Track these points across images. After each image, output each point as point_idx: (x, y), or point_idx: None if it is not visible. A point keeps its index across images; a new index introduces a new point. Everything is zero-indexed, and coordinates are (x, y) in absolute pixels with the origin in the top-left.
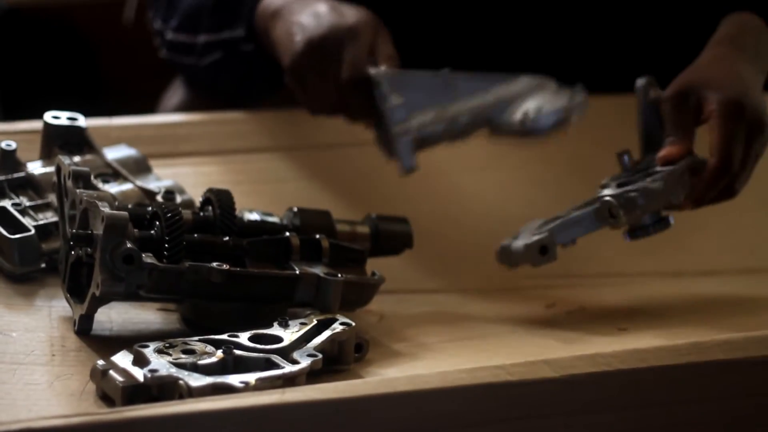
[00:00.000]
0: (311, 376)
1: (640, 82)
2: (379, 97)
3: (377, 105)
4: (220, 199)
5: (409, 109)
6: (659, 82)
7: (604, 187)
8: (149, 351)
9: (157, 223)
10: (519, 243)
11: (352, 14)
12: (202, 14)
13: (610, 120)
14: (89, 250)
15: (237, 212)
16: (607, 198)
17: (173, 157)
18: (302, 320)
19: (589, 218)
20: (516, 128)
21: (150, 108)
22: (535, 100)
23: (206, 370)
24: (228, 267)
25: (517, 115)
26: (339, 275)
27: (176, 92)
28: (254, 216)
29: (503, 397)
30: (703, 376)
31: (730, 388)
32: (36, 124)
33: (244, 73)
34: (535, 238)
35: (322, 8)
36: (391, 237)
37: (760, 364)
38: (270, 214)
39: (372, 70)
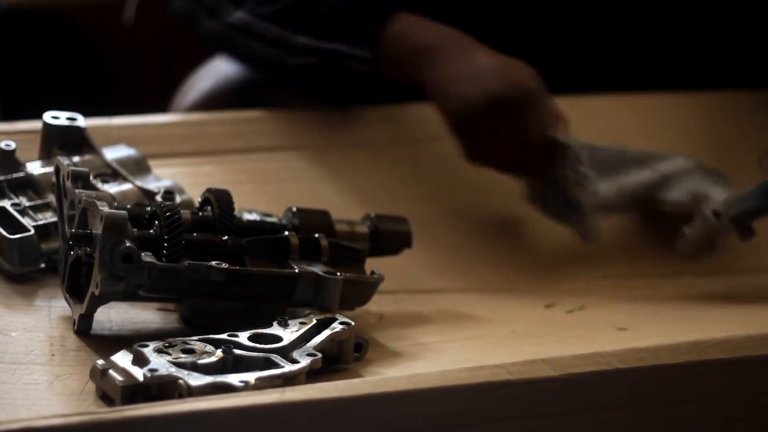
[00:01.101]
0: (311, 375)
1: None
2: (565, 164)
3: (557, 169)
4: (219, 199)
5: (597, 179)
6: (670, 80)
7: None
8: (149, 350)
9: (156, 222)
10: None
11: (524, 72)
12: (310, 15)
13: (613, 120)
14: (88, 249)
15: (236, 212)
16: None
17: (173, 156)
18: (302, 320)
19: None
20: (683, 206)
21: (151, 108)
22: (694, 182)
23: (206, 369)
24: (227, 266)
25: (683, 192)
26: (338, 274)
27: (191, 90)
28: (253, 216)
29: (503, 396)
30: (703, 375)
31: (730, 388)
32: (35, 124)
33: (339, 83)
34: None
35: (490, 60)
36: (390, 237)
37: (760, 364)
38: (269, 215)
39: (562, 138)
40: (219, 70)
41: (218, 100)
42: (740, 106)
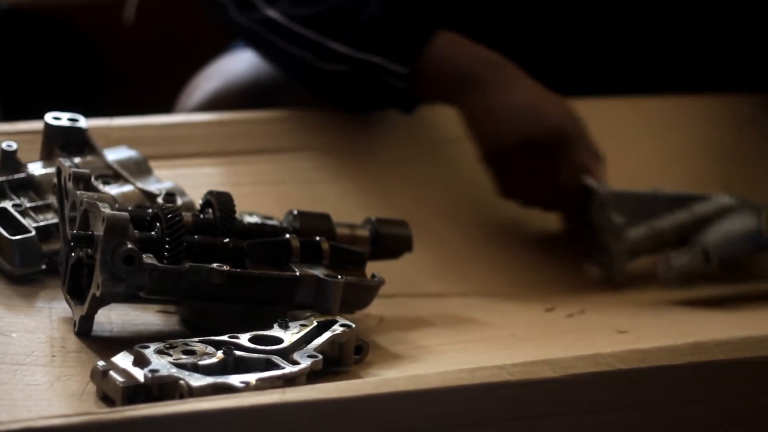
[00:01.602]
0: (311, 377)
1: None
2: (598, 209)
3: (592, 213)
4: (220, 202)
5: (626, 226)
6: (672, 83)
7: None
8: (150, 352)
9: (158, 224)
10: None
11: (562, 112)
12: (349, 24)
13: (615, 122)
14: (90, 251)
15: (237, 215)
16: None
17: (174, 158)
18: (302, 322)
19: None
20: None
21: (151, 108)
22: (728, 224)
23: (207, 370)
24: (228, 268)
25: (718, 235)
26: (339, 277)
27: (196, 90)
28: (254, 219)
29: (503, 397)
30: (704, 376)
31: (731, 388)
32: (36, 125)
33: (370, 95)
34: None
35: (530, 97)
36: (390, 240)
37: (760, 365)
38: (270, 218)
39: (594, 184)
40: (225, 70)
41: (224, 101)
42: (742, 109)
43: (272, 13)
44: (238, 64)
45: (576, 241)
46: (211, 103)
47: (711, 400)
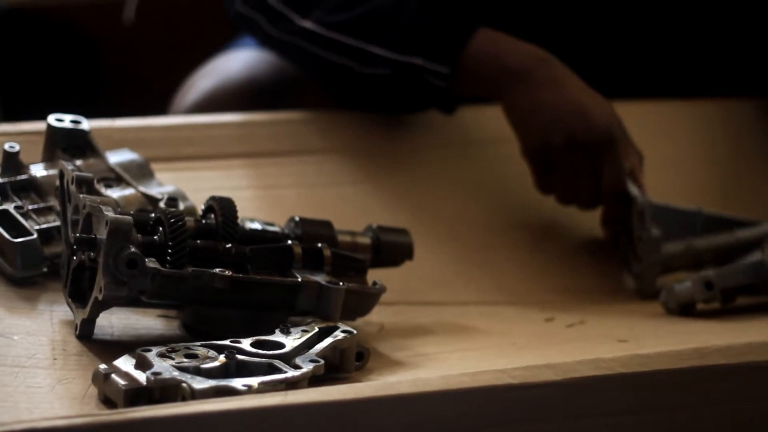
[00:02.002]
0: (313, 382)
1: None
2: (637, 218)
3: (631, 220)
4: (222, 207)
5: (663, 239)
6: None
7: None
8: (152, 355)
9: (161, 228)
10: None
11: (607, 113)
12: (387, 27)
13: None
14: (92, 254)
15: (238, 221)
16: None
17: (175, 160)
18: (304, 327)
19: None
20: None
21: (151, 108)
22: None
23: (209, 373)
24: (231, 273)
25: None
26: (341, 284)
27: (191, 89)
28: (255, 225)
29: (505, 400)
30: (705, 380)
31: (732, 393)
32: (37, 125)
33: (410, 94)
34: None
35: (576, 95)
36: (391, 248)
37: (761, 369)
38: (271, 224)
39: (637, 194)
40: (220, 69)
41: (219, 100)
42: (741, 114)
43: (308, 24)
44: (234, 63)
45: (616, 247)
46: (206, 102)
47: (712, 405)
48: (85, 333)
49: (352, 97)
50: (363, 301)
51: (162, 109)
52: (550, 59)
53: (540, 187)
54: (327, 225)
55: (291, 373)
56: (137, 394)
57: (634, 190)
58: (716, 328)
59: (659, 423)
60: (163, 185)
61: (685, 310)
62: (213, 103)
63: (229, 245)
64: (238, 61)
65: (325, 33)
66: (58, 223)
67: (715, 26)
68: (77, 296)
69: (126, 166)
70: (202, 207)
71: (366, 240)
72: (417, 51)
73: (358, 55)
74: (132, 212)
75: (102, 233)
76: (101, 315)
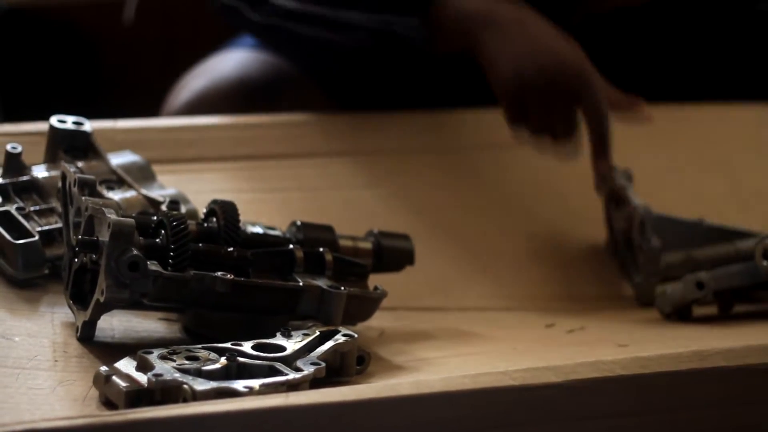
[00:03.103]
0: (314, 385)
1: None
2: (637, 228)
3: (632, 232)
4: (224, 211)
5: (663, 249)
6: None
7: None
8: (153, 357)
9: (163, 231)
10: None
11: (576, 51)
12: None
13: (619, 133)
14: (93, 256)
15: (240, 225)
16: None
17: (177, 162)
18: (305, 331)
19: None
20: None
21: (151, 108)
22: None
23: (210, 375)
24: (232, 277)
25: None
26: (342, 288)
27: (184, 89)
28: (257, 229)
29: (506, 402)
30: (705, 383)
31: (733, 396)
32: (39, 126)
33: (391, 55)
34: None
35: (545, 33)
36: (393, 254)
37: (761, 372)
38: (273, 228)
39: (638, 205)
40: (212, 69)
41: (211, 99)
42: (747, 119)
43: (285, 1)
44: (226, 63)
45: (612, 253)
46: (198, 102)
47: (712, 407)
48: (86, 335)
49: (338, 81)
50: (364, 305)
51: (162, 108)
52: (513, 2)
53: (512, 121)
54: (328, 229)
55: (292, 375)
56: (138, 396)
57: (635, 199)
58: (716, 333)
59: (660, 425)
60: (164, 187)
61: (682, 313)
62: (205, 102)
63: (231, 249)
64: (231, 61)
65: (301, 8)
66: (59, 224)
67: (712, 31)
68: (78, 298)
69: (128, 168)
70: (204, 210)
71: (367, 245)
72: (389, 7)
73: (334, 24)
74: (134, 215)
75: (104, 235)
76: (102, 317)
